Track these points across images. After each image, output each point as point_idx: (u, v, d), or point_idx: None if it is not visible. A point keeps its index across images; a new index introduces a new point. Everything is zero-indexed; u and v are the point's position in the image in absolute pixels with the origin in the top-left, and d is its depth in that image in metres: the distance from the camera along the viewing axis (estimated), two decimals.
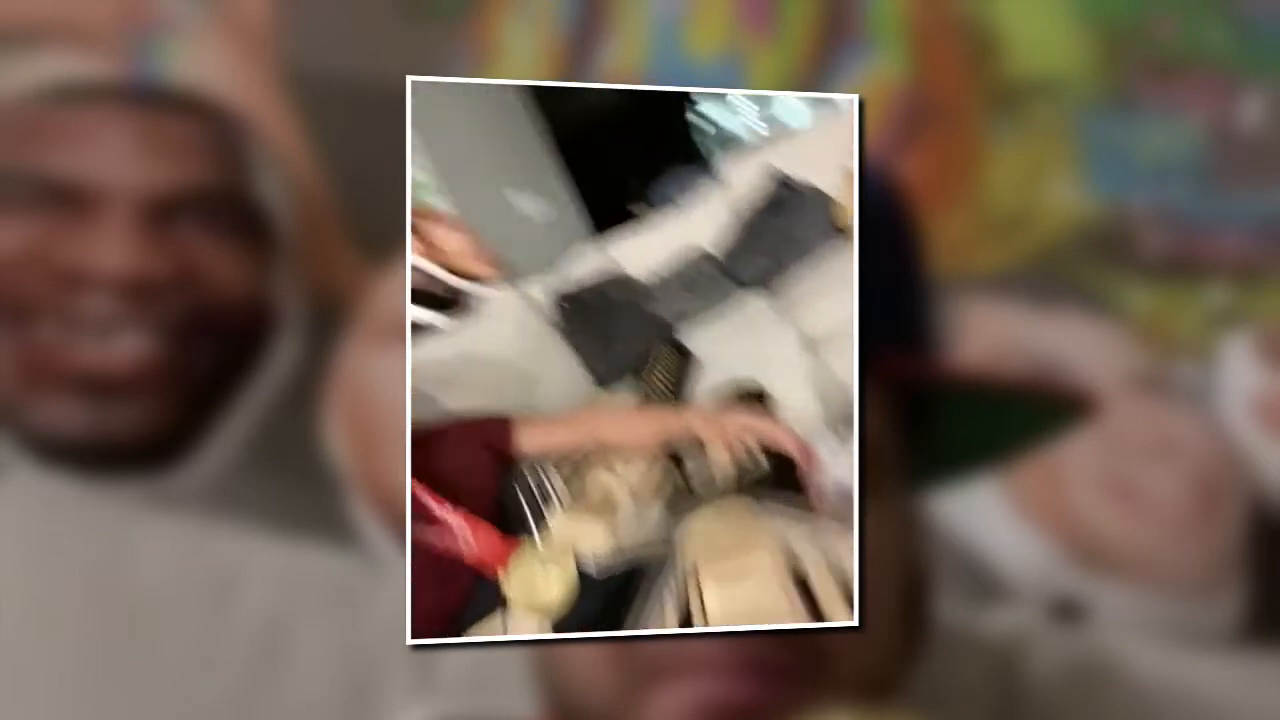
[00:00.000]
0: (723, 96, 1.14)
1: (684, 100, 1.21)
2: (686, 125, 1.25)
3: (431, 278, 1.11)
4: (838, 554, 0.94)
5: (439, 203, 1.15)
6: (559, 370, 1.25)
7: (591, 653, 0.94)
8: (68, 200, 0.90)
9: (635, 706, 0.94)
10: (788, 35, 1.03)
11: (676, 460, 1.05)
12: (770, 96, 1.02)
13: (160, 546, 0.92)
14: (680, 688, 0.94)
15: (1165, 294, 1.12)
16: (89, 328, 0.90)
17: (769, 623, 0.89)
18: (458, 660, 0.95)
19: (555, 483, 1.03)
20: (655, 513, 1.00)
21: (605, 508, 1.00)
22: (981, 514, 1.08)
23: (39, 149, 0.91)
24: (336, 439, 0.94)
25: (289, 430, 0.93)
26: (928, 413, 1.01)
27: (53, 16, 0.92)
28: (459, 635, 0.93)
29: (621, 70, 1.00)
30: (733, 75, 1.02)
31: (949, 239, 1.05)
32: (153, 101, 0.92)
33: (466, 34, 0.98)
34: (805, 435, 1.02)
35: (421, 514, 0.93)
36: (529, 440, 1.06)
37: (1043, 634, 1.08)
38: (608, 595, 0.92)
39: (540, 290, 1.28)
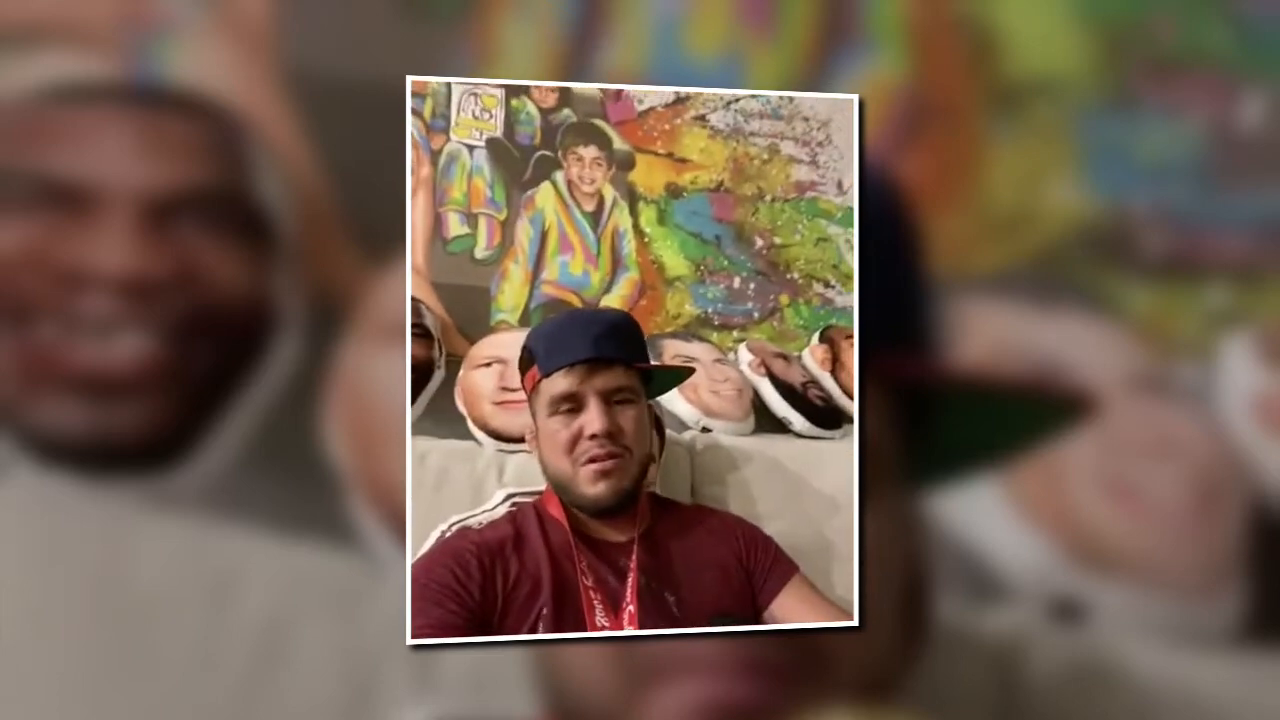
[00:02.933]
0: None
1: None
2: None
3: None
4: None
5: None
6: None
7: (591, 653, 0.94)
8: (68, 200, 0.90)
9: (635, 706, 0.94)
10: (788, 35, 1.03)
11: None
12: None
13: (160, 546, 0.92)
14: (680, 688, 0.94)
15: (1165, 294, 1.12)
16: (89, 328, 0.90)
17: None
18: (458, 660, 0.95)
19: None
20: None
21: None
22: (981, 514, 1.08)
23: (39, 149, 0.91)
24: (336, 439, 0.94)
25: (289, 430, 0.93)
26: (928, 413, 1.01)
27: (53, 16, 0.92)
28: None
29: (621, 70, 1.00)
30: (733, 75, 1.02)
31: (949, 239, 1.05)
32: (153, 101, 0.92)
33: (466, 34, 0.98)
34: None
35: None
36: None
37: (1043, 634, 1.08)
38: None
39: None
